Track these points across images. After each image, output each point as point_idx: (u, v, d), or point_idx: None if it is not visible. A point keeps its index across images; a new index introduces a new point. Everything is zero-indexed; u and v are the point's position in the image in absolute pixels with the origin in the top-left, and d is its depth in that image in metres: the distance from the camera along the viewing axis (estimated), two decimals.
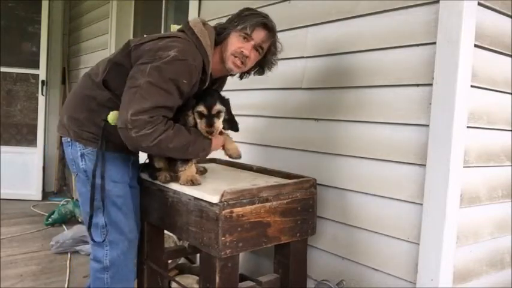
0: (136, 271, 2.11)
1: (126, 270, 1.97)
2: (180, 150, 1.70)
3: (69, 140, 1.89)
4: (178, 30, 1.84)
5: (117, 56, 1.82)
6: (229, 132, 1.97)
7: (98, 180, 1.83)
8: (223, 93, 1.94)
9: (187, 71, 1.67)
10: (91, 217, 1.86)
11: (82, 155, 1.86)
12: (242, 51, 1.81)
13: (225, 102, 1.81)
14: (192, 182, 1.80)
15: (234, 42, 1.81)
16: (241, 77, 2.02)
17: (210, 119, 1.73)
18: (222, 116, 1.77)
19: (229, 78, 2.10)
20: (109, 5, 4.59)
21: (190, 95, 1.77)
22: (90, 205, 1.85)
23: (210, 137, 1.76)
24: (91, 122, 1.82)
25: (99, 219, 1.88)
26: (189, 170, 1.84)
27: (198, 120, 1.75)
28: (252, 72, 2.00)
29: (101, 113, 1.78)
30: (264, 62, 1.95)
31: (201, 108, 1.73)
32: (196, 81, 1.74)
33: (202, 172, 2.09)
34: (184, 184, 1.81)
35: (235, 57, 1.82)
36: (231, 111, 1.88)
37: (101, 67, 1.85)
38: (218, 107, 1.74)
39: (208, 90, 1.82)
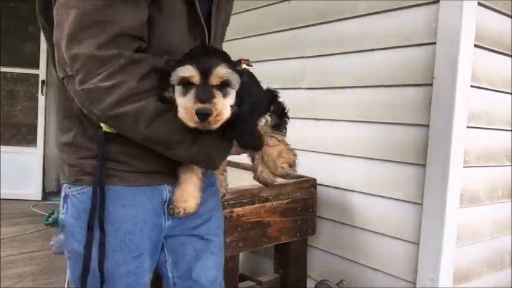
0: None
1: None
2: (162, 144, 0.96)
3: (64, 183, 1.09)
4: None
5: (44, 14, 1.04)
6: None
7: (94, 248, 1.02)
8: None
9: None
10: None
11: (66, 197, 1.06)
12: None
13: (237, 68, 0.95)
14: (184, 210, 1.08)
15: None
16: None
17: (204, 89, 0.87)
18: (231, 92, 0.91)
19: None
20: None
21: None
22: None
23: (207, 127, 0.88)
24: (88, 137, 1.02)
25: None
26: (188, 187, 1.08)
27: (180, 99, 0.89)
28: None
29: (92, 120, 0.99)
30: None
31: (188, 72, 0.88)
32: None
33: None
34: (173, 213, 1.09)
35: None
36: (258, 84, 1.06)
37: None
38: (223, 70, 0.88)
39: (202, 46, 1.03)
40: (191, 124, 0.87)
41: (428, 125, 1.70)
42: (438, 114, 1.66)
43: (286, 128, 1.15)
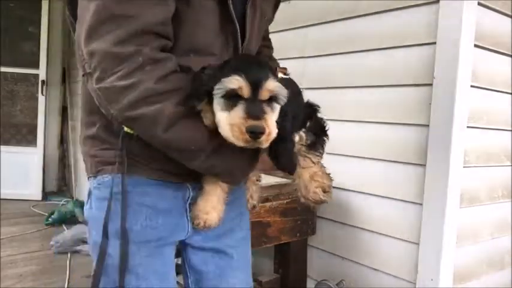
0: None
1: None
2: (180, 152, 0.89)
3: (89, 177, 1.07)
4: None
5: (71, 5, 0.97)
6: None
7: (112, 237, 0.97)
8: None
9: None
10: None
11: (90, 193, 1.05)
12: None
13: (284, 81, 0.88)
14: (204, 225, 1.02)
15: None
16: None
17: (255, 104, 0.80)
18: (277, 108, 0.84)
19: None
20: None
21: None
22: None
23: (255, 146, 0.82)
24: (111, 132, 0.98)
25: None
26: (211, 198, 1.02)
27: (222, 114, 0.82)
28: None
29: None
30: None
31: (237, 83, 0.79)
32: None
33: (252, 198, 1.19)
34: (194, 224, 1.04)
35: None
36: (297, 94, 1.00)
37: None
38: (273, 84, 0.82)
39: (247, 56, 0.99)
40: (239, 143, 0.80)
41: (428, 125, 1.70)
42: (438, 114, 1.66)
43: (323, 148, 1.02)
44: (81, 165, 1.46)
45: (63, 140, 5.58)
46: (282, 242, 1.86)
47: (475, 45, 1.66)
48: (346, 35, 2.04)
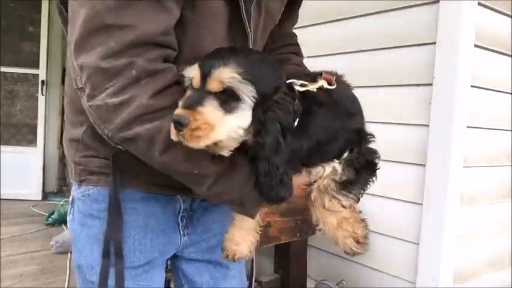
0: None
1: None
2: (182, 175, 0.79)
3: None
4: None
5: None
6: None
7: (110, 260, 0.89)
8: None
9: None
10: None
11: (73, 202, 0.97)
12: None
13: (267, 76, 0.73)
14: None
15: None
16: None
17: (195, 94, 0.70)
18: (243, 108, 0.69)
19: None
20: None
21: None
22: None
23: (180, 139, 0.69)
24: (98, 137, 0.86)
25: None
26: (239, 229, 0.90)
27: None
28: None
29: None
30: None
31: (192, 72, 0.72)
32: None
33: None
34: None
35: None
36: (340, 113, 0.84)
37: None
38: (226, 74, 0.68)
39: (234, 47, 0.83)
40: (172, 136, 0.69)
41: (428, 125, 1.70)
42: (438, 114, 1.66)
43: (363, 190, 0.83)
44: None
45: (63, 140, 5.58)
46: (282, 242, 1.86)
47: (475, 45, 1.66)
48: (346, 35, 2.04)
